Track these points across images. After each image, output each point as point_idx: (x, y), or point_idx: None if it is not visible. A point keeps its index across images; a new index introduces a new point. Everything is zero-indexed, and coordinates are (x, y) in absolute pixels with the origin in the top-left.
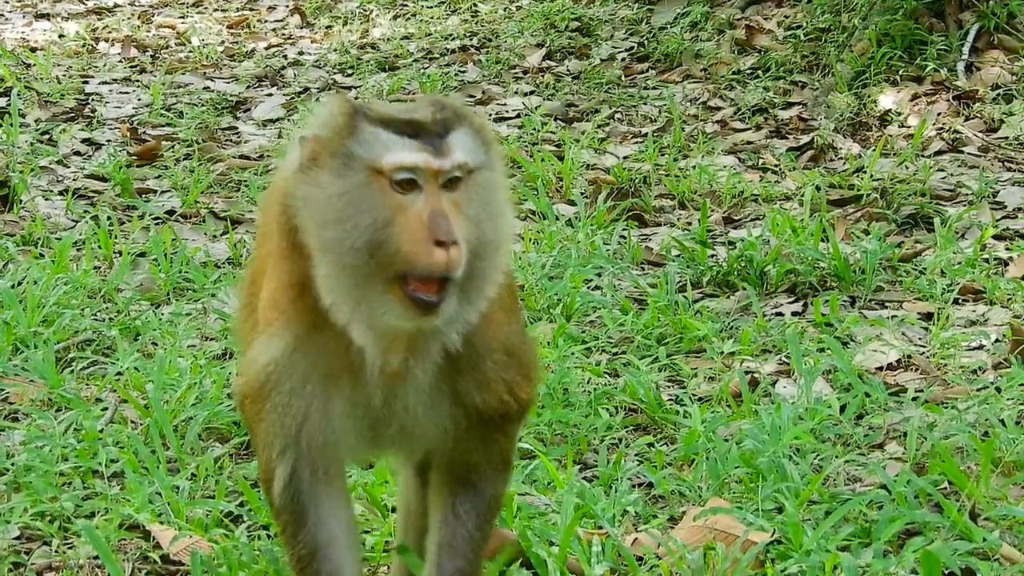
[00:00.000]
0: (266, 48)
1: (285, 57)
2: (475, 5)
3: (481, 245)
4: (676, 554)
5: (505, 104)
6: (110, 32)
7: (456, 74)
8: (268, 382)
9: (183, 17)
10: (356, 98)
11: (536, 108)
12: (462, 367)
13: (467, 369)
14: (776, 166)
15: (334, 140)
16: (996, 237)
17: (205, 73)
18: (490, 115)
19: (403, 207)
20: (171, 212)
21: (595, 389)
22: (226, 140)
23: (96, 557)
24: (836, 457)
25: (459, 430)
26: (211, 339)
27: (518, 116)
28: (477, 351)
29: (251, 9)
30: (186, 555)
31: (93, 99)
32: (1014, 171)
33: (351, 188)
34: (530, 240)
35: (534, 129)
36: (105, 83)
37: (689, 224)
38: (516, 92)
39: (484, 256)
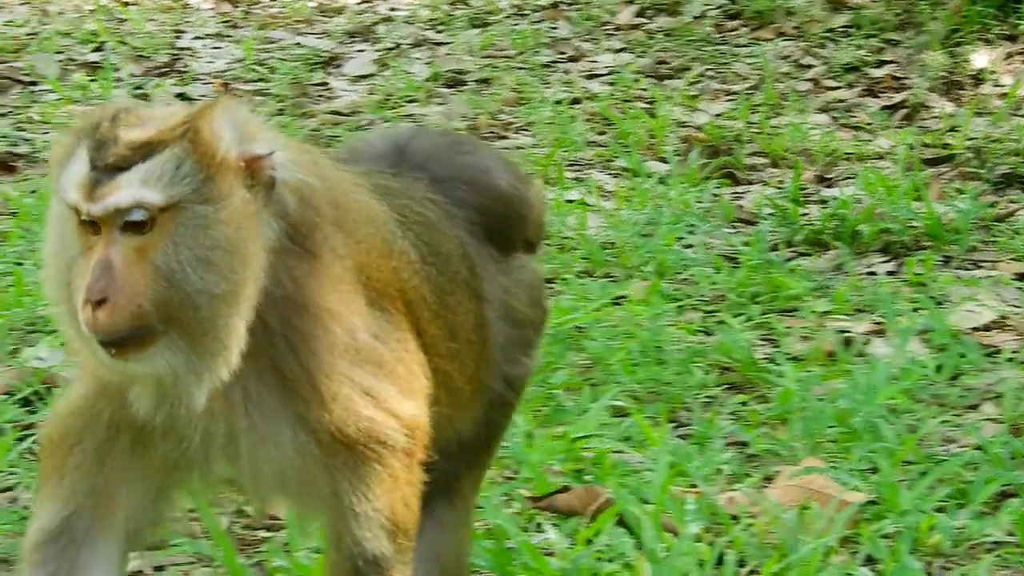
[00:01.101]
0: (357, 3)
1: (376, 13)
2: None
3: (186, 296)
4: (771, 513)
5: (596, 61)
6: None
7: (547, 31)
8: (70, 435)
9: None
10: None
11: (627, 65)
12: (293, 382)
13: (301, 384)
14: (869, 125)
15: (56, 164)
16: None
17: (296, 28)
18: (582, 72)
19: (87, 251)
20: None
21: (689, 347)
22: (318, 96)
23: (193, 510)
24: (931, 417)
25: (309, 466)
26: None
27: (609, 73)
28: (308, 357)
29: None
30: (282, 511)
31: (186, 54)
32: None
33: (58, 223)
34: (623, 197)
35: (625, 86)
36: (198, 38)
37: (781, 183)
38: (607, 49)
39: (195, 307)
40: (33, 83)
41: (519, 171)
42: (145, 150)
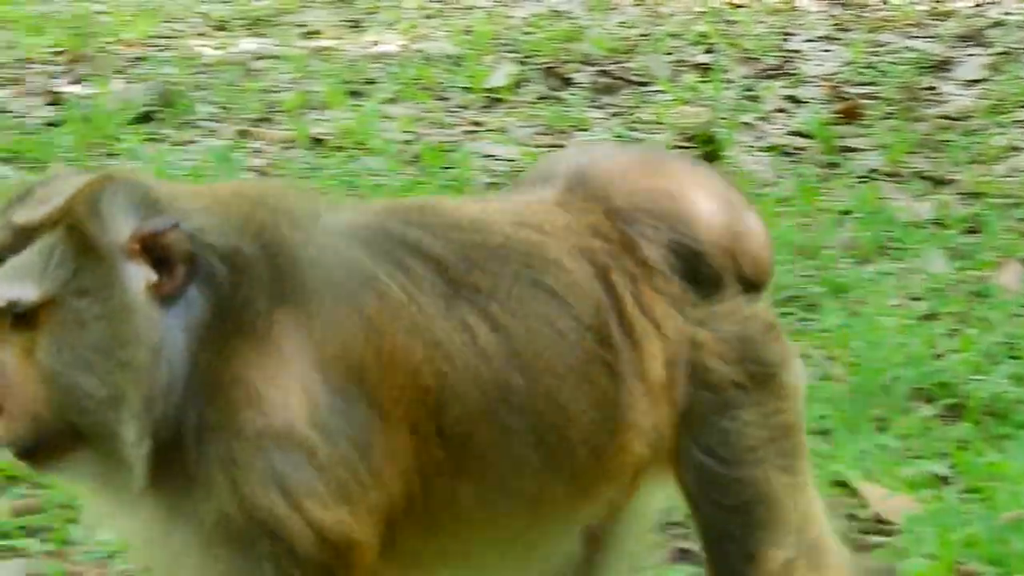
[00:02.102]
0: (968, 7)
1: (987, 16)
2: None
3: (74, 400)
4: None
5: None
6: None
7: None
8: None
9: None
10: None
11: None
12: (193, 474)
13: (200, 472)
14: None
15: None
16: None
17: (906, 31)
18: None
19: None
20: (874, 171)
21: None
22: (927, 100)
23: None
24: None
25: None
26: (917, 299)
27: None
28: (213, 440)
29: None
30: (897, 515)
31: (795, 56)
32: None
33: None
34: None
35: None
36: (807, 41)
37: None
38: None
39: (85, 412)
40: (643, 84)
41: (732, 195)
42: (24, 237)
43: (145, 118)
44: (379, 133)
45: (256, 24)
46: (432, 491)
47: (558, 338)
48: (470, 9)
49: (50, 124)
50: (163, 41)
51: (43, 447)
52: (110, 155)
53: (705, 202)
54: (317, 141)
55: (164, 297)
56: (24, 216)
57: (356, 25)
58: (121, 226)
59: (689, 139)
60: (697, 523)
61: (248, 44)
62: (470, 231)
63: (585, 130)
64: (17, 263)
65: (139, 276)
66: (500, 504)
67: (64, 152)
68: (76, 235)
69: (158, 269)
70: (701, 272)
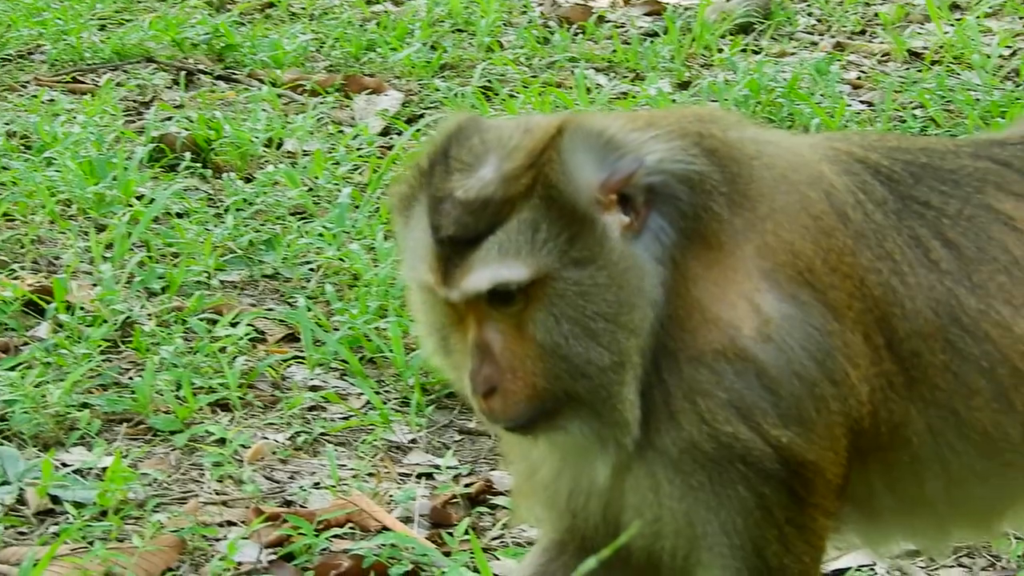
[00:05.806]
0: None
1: None
2: None
3: (575, 368)
4: None
5: None
6: None
7: None
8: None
9: None
10: None
11: None
12: (653, 405)
13: (658, 402)
14: None
15: (398, 216)
16: None
17: None
18: None
19: (458, 322)
20: None
21: None
22: None
23: None
24: None
25: (661, 493)
26: None
27: None
28: (671, 369)
29: None
30: None
31: None
32: None
33: (416, 289)
34: None
35: None
36: None
37: None
38: None
39: (587, 378)
40: None
41: None
42: (490, 215)
43: (744, 29)
44: (978, 48)
45: None
46: (885, 412)
47: (1014, 266)
48: None
49: (648, 35)
50: None
51: (536, 419)
52: (706, 66)
53: None
54: (914, 55)
55: (634, 235)
56: (477, 189)
57: None
58: (590, 178)
59: None
60: None
61: None
62: (921, 154)
63: None
64: (494, 245)
65: (615, 225)
66: (950, 437)
67: (662, 62)
68: (556, 203)
69: (625, 209)
70: None
